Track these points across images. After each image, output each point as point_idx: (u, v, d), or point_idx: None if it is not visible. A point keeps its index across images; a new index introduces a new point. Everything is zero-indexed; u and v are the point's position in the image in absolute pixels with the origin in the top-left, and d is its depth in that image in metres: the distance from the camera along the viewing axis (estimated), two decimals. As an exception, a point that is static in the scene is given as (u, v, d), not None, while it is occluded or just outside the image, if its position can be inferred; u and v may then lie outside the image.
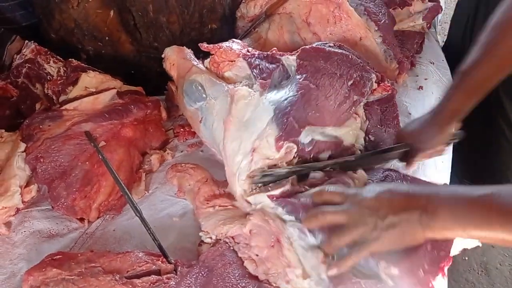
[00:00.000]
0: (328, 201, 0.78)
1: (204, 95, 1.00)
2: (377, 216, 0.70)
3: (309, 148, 0.92)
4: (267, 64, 1.01)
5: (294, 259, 0.77)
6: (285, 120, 0.90)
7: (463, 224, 0.65)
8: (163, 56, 1.13)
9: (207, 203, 0.92)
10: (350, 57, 1.04)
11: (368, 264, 0.72)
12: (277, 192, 0.85)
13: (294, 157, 0.91)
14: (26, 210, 0.99)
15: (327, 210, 0.75)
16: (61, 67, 1.20)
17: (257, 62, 1.01)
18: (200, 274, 0.77)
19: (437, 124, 0.92)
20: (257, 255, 0.80)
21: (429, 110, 0.95)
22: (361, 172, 0.89)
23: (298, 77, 0.97)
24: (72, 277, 0.77)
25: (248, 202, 0.88)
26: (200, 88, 1.01)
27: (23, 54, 1.22)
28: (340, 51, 1.05)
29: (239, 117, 0.93)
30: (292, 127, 0.89)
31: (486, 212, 0.63)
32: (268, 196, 0.85)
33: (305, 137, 0.91)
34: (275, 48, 1.05)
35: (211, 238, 0.86)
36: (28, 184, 1.01)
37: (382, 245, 0.70)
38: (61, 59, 1.23)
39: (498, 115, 1.37)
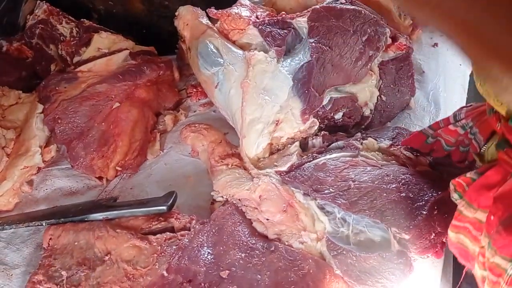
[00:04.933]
0: None
1: (220, 60, 0.98)
2: None
3: (329, 107, 0.96)
4: (278, 30, 0.99)
5: (310, 224, 0.79)
6: (306, 92, 0.91)
7: None
8: (176, 14, 1.11)
9: (222, 161, 0.94)
10: (362, 12, 1.02)
11: (377, 230, 0.74)
12: (284, 167, 0.86)
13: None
14: (47, 169, 1.03)
15: None
16: (73, 28, 1.21)
17: (268, 29, 1.00)
18: (212, 232, 0.79)
19: None
20: (267, 219, 0.82)
21: None
22: (370, 140, 0.89)
23: (310, 40, 0.96)
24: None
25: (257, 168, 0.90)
26: (216, 51, 1.00)
27: (36, 15, 1.22)
28: (352, 7, 1.03)
29: (257, 82, 0.93)
30: (314, 98, 0.92)
31: None
32: (276, 172, 0.86)
33: (325, 100, 0.95)
34: (284, 13, 1.03)
35: (222, 197, 0.89)
36: (47, 144, 1.05)
37: None
38: (73, 19, 1.23)
39: None
